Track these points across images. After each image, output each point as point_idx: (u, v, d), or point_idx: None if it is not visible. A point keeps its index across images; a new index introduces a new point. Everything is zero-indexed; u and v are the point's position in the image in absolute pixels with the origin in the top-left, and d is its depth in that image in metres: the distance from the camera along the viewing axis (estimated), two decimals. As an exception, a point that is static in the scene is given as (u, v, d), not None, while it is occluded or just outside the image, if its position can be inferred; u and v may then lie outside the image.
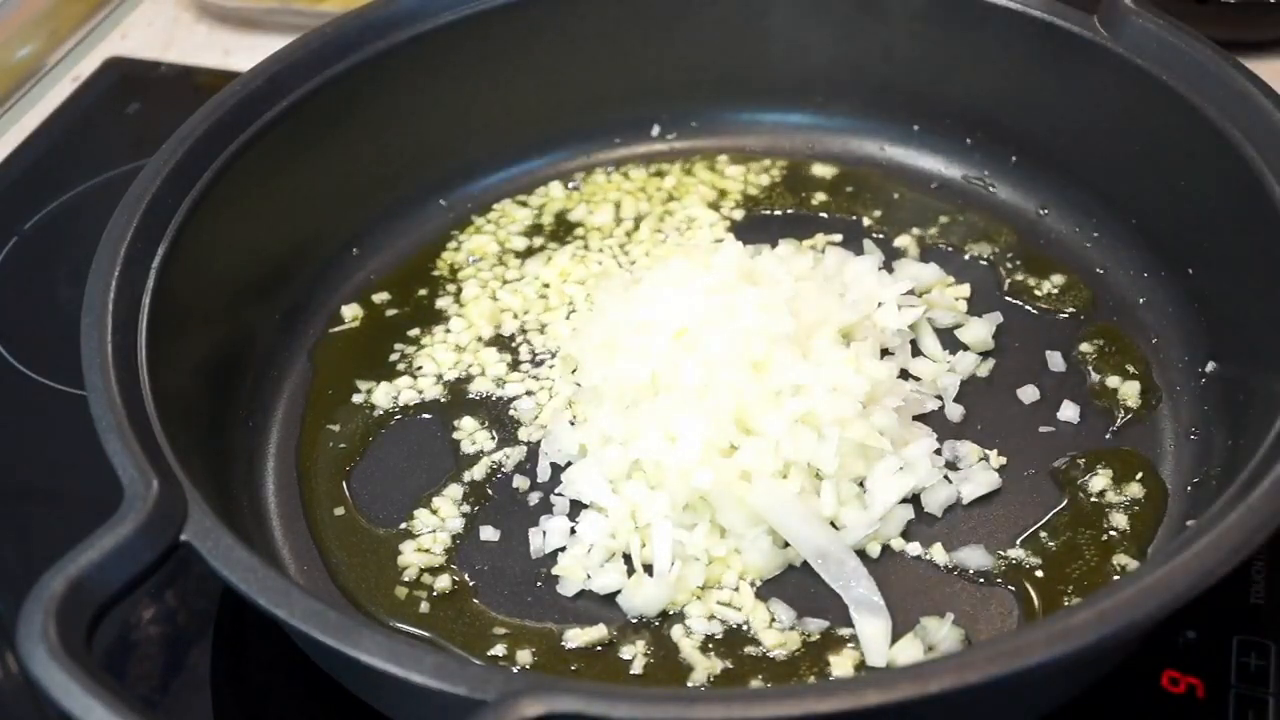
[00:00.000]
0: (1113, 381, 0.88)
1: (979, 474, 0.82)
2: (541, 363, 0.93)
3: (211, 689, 0.77)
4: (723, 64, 1.06)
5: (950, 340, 0.92)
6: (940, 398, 0.87)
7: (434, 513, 0.83)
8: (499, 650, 0.75)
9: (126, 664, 0.78)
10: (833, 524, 0.79)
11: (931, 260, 0.97)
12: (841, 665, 0.73)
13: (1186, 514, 0.78)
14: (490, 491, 0.84)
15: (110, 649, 0.79)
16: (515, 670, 0.74)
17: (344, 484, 0.85)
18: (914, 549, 0.79)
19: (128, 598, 0.62)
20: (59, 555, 0.59)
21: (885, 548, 0.79)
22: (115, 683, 0.56)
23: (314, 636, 0.59)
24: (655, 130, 1.09)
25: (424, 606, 0.78)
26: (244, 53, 1.28)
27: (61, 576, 0.59)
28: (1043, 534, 0.79)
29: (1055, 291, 0.95)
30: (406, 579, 0.80)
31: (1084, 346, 0.91)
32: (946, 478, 0.82)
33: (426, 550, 0.81)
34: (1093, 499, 0.81)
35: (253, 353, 0.91)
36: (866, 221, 1.02)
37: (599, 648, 0.75)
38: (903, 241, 0.99)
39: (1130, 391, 0.87)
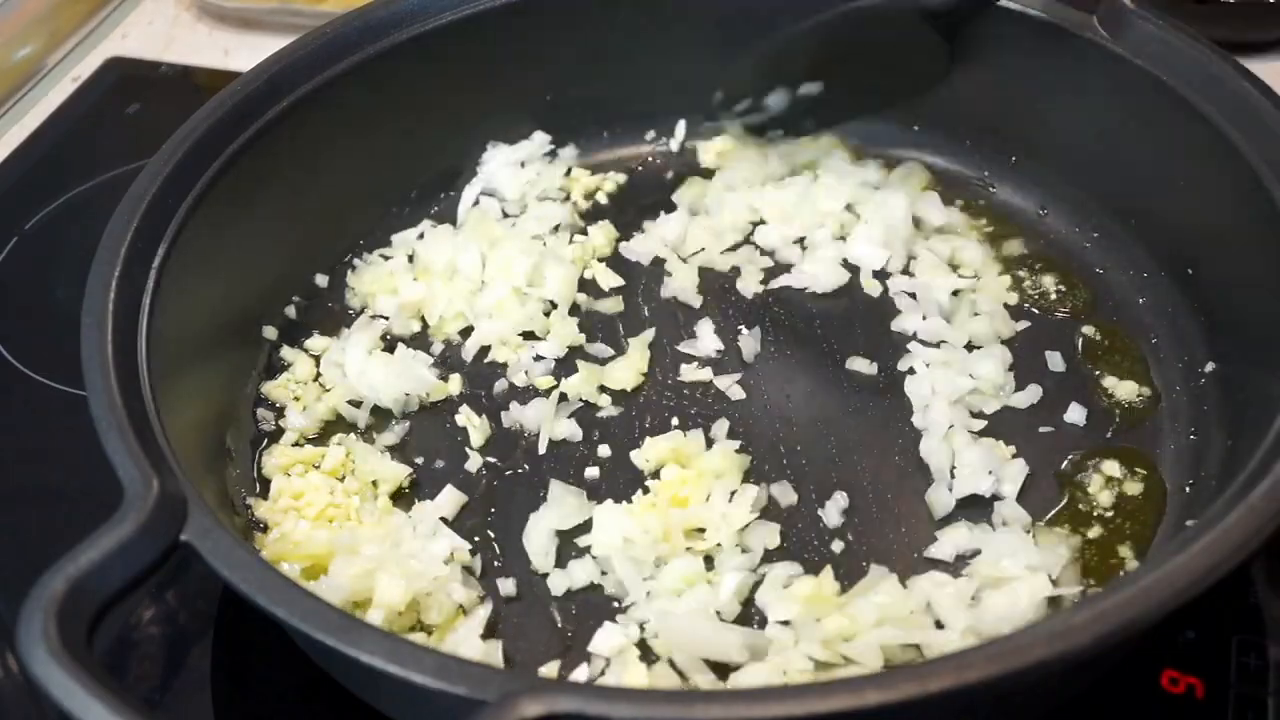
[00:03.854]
0: (1112, 381, 0.88)
1: (1007, 469, 0.82)
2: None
3: (211, 689, 0.77)
4: (727, 66, 1.06)
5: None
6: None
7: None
8: (499, 650, 0.75)
9: (127, 664, 0.78)
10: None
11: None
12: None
13: (1186, 514, 0.78)
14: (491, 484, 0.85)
15: (110, 649, 0.79)
16: (515, 670, 0.74)
17: (344, 484, 0.85)
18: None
19: (128, 598, 0.62)
20: (59, 555, 0.59)
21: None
22: (116, 683, 0.56)
23: (314, 636, 0.59)
24: (654, 132, 1.09)
25: (424, 606, 0.78)
26: (244, 53, 1.29)
27: (62, 576, 0.59)
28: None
29: (1055, 291, 0.95)
30: (406, 579, 0.80)
31: (1084, 347, 0.91)
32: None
33: (426, 550, 0.81)
34: (1093, 499, 0.81)
35: (254, 353, 0.91)
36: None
37: (599, 648, 0.75)
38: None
39: (1130, 391, 0.87)
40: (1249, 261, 0.81)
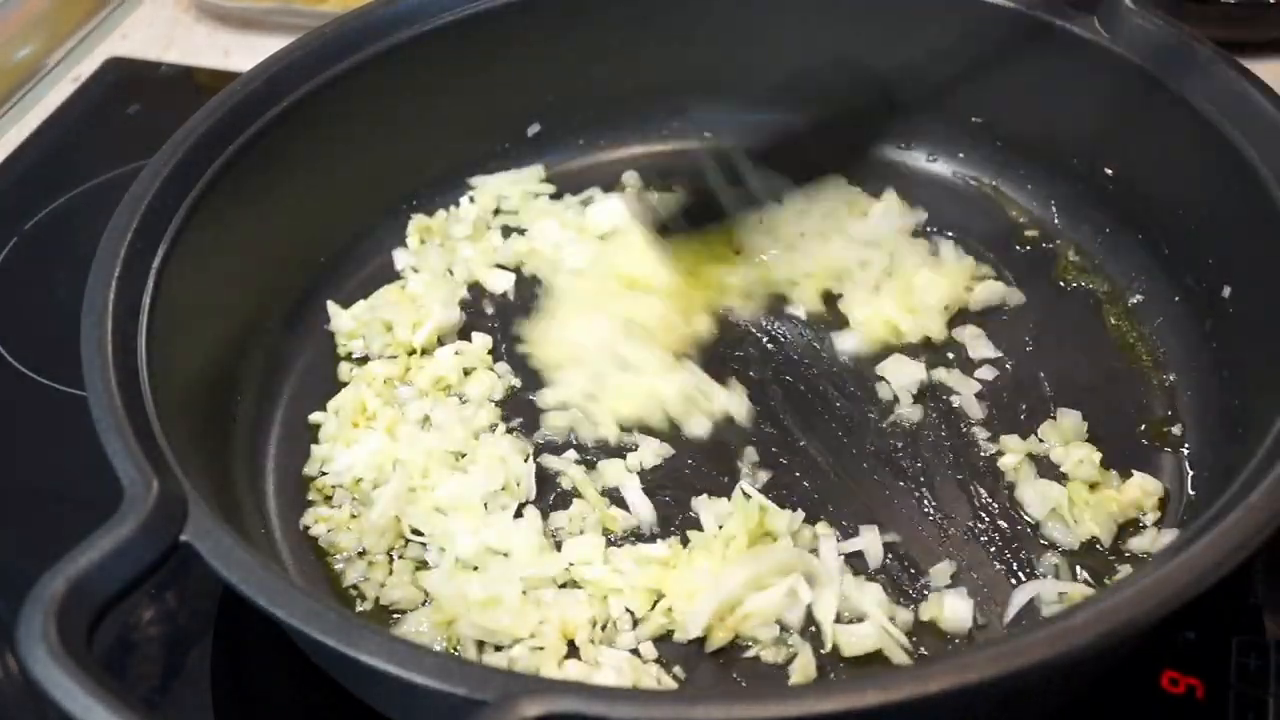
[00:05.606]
0: (1112, 381, 0.88)
1: None
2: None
3: (211, 689, 0.77)
4: (724, 63, 1.06)
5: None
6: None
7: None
8: (499, 650, 0.75)
9: (127, 664, 0.79)
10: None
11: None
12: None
13: (1187, 513, 0.78)
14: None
15: (110, 649, 0.79)
16: (515, 670, 0.74)
17: (344, 484, 0.85)
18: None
19: (128, 598, 0.62)
20: (59, 555, 0.59)
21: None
22: (116, 683, 0.56)
23: (314, 636, 0.59)
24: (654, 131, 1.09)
25: (424, 607, 0.78)
26: (244, 53, 1.29)
27: (61, 577, 0.58)
28: (1043, 534, 0.79)
29: (1055, 291, 0.95)
30: (407, 579, 0.80)
31: (1084, 346, 0.91)
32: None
33: (427, 551, 0.81)
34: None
35: (253, 353, 0.91)
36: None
37: (599, 648, 0.75)
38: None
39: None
40: (1249, 261, 0.81)
